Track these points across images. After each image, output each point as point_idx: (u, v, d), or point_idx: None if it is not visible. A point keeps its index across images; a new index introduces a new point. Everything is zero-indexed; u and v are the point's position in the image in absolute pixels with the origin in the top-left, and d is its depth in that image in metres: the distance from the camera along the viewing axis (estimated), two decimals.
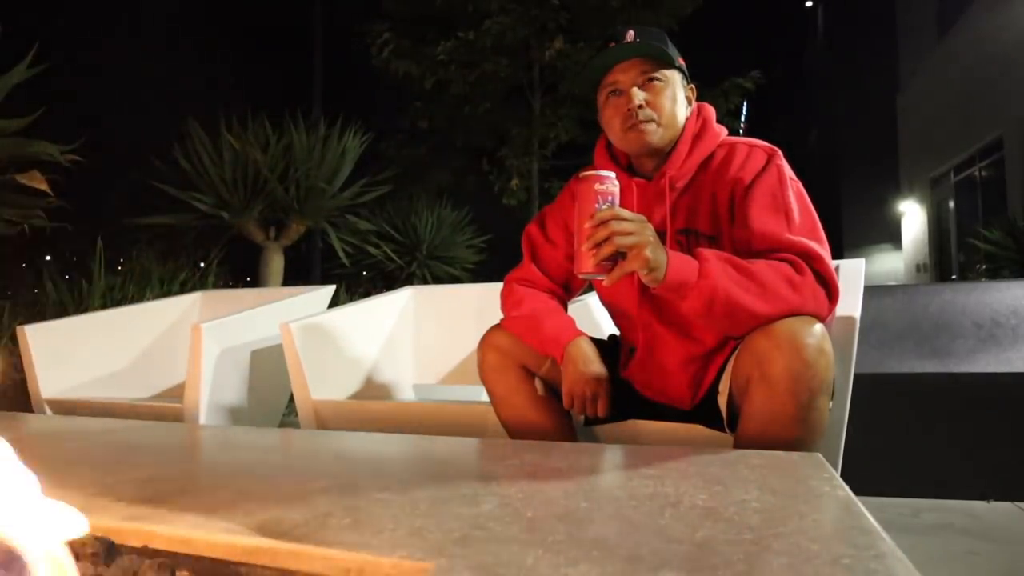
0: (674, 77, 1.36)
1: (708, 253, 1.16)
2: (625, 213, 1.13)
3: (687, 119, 1.38)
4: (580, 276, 1.17)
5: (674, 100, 1.35)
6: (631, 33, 1.32)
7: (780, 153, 1.33)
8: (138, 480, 0.96)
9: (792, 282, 1.14)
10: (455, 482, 0.92)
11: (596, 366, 1.36)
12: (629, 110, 1.32)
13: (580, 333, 1.41)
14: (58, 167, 3.40)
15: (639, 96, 1.32)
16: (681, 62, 1.38)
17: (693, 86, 1.41)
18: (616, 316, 1.50)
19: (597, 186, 1.15)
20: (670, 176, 1.35)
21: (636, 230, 1.11)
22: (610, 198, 1.15)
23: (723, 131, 1.41)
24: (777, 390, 1.11)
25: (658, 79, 1.33)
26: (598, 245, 1.11)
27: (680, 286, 1.13)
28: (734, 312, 1.13)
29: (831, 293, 1.18)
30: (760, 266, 1.15)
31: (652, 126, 1.33)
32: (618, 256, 1.12)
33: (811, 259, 1.18)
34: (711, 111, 1.43)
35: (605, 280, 1.14)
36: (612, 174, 1.17)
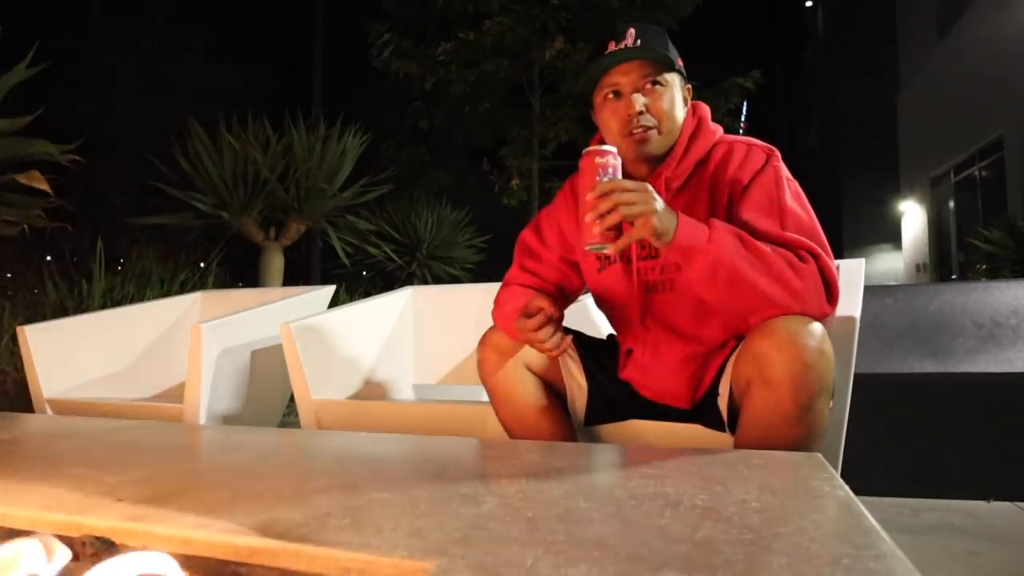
0: (674, 80, 1.35)
1: (719, 223, 1.17)
2: (627, 183, 1.13)
3: (684, 120, 1.38)
4: (586, 248, 1.18)
5: (673, 104, 1.34)
6: (632, 32, 1.31)
7: (778, 153, 1.33)
8: (138, 480, 0.96)
9: (794, 267, 1.15)
10: (455, 482, 0.92)
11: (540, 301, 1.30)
12: (629, 116, 1.31)
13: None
14: (58, 167, 3.40)
15: (640, 102, 1.30)
16: (680, 63, 1.37)
17: (690, 86, 1.41)
18: (613, 317, 1.49)
19: (598, 159, 1.16)
20: (666, 177, 1.34)
21: (639, 199, 1.11)
22: (611, 171, 1.16)
23: (719, 129, 1.40)
24: (777, 392, 1.11)
25: (659, 83, 1.32)
26: (602, 216, 1.11)
27: (688, 250, 1.14)
28: (735, 282, 1.14)
29: (831, 292, 1.18)
30: (766, 247, 1.16)
31: (652, 133, 1.32)
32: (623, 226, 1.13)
33: (813, 255, 1.18)
34: (706, 109, 1.42)
35: (610, 248, 1.14)
36: (614, 148, 1.18)
